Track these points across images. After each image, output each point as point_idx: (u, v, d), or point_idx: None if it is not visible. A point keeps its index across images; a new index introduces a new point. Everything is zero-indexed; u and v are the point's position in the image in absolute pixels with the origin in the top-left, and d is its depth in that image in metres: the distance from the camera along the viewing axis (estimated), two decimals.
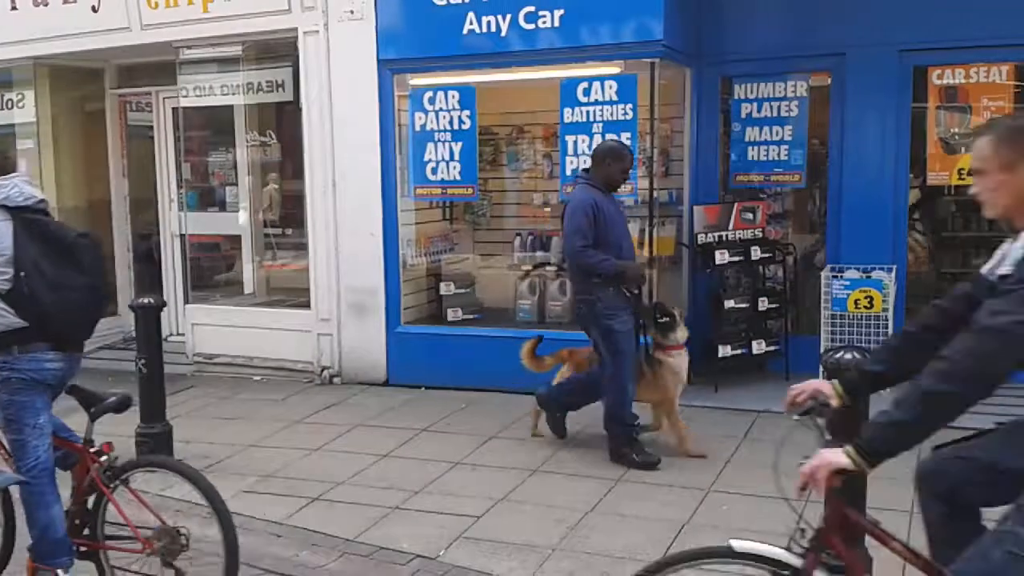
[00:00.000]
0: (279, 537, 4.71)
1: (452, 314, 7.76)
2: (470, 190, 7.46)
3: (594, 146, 6.20)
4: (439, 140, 7.37)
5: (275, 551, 4.55)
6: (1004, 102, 6.77)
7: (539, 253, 7.81)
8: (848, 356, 3.53)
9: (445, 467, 5.64)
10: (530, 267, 7.85)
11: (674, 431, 5.72)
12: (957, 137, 6.90)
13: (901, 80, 6.93)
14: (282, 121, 8.43)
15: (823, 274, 6.89)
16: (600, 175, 5.54)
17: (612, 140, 6.01)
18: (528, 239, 7.91)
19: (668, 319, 5.65)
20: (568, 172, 6.93)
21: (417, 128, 7.44)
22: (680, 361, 5.64)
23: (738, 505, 4.90)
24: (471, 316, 7.80)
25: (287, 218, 8.70)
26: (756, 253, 7.20)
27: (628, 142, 6.64)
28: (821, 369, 3.70)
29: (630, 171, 5.64)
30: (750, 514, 4.73)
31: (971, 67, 6.81)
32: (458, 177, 7.36)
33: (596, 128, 6.79)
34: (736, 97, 7.46)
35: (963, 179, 6.90)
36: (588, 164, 5.83)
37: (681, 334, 5.64)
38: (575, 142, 6.89)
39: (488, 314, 7.92)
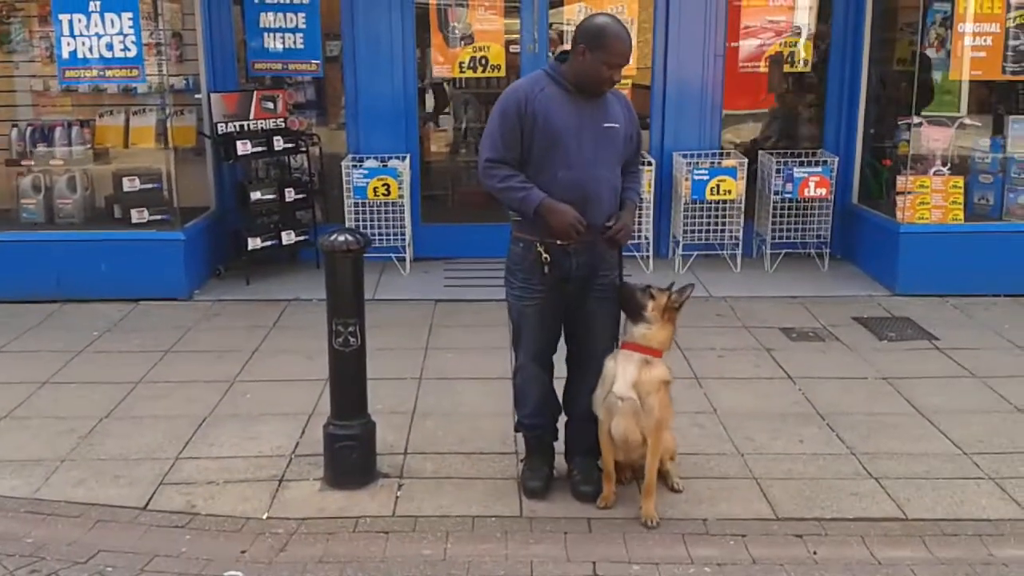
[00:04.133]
0: None
1: None
2: None
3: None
4: None
5: None
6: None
7: (41, 147, 7.01)
8: (341, 237, 3.75)
9: None
10: (32, 162, 7.03)
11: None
12: (457, 32, 7.42)
13: None
14: None
15: (344, 163, 7.12)
16: (571, 66, 3.61)
17: (602, 15, 3.69)
18: (27, 130, 7.05)
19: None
20: (65, 55, 6.28)
21: None
22: (613, 365, 3.61)
23: (261, 392, 5.03)
24: None
25: None
26: (279, 143, 7.18)
27: (129, 23, 6.20)
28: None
29: (619, 68, 3.57)
30: (270, 399, 4.92)
31: None
32: None
33: (93, 6, 6.18)
34: None
35: (463, 72, 7.50)
36: None
37: (639, 331, 3.59)
38: (70, 21, 6.22)
39: None
